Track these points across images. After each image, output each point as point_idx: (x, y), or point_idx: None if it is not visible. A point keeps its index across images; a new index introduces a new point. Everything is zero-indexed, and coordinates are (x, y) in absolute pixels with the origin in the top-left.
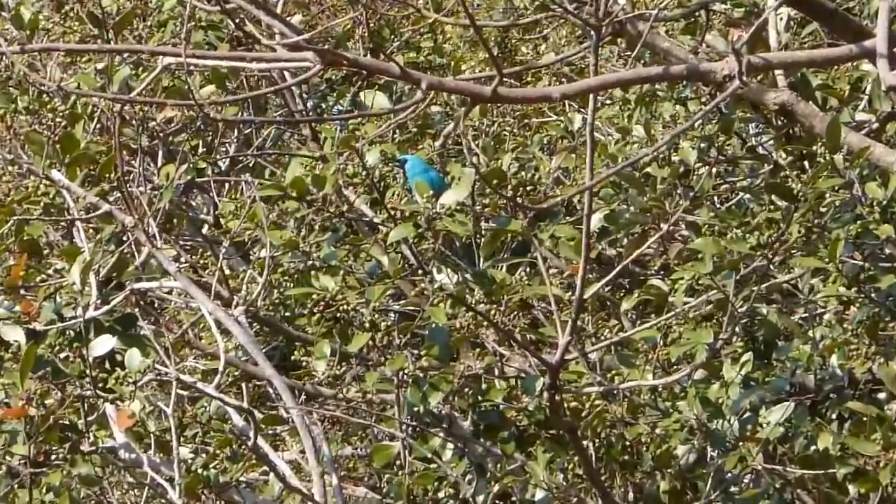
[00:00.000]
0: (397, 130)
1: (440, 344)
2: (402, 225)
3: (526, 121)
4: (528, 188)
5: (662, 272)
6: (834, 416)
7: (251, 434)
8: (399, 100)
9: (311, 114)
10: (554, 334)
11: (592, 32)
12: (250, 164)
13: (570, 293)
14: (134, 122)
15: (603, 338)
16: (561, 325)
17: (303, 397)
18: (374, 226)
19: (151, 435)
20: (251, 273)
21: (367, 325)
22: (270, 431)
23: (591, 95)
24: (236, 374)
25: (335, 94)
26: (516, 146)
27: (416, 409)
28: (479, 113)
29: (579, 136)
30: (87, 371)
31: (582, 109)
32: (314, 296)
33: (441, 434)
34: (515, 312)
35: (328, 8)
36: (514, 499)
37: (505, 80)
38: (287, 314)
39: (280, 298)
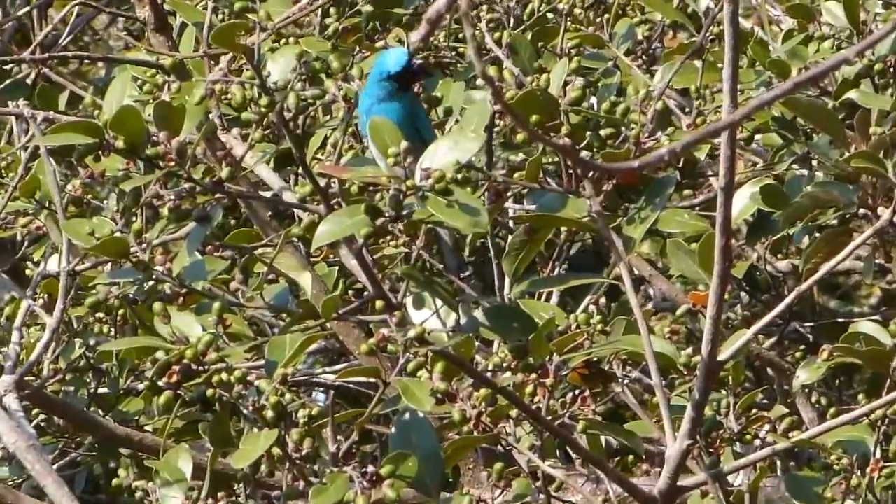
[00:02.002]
0: (332, 10)
1: (421, 455)
2: (344, 210)
3: None
4: (604, 131)
5: (881, 307)
6: None
7: None
8: None
9: None
10: (654, 434)
11: None
12: (27, 78)
13: (689, 349)
14: None
15: (757, 442)
16: (670, 415)
17: None
18: (285, 210)
19: None
20: (29, 305)
21: (268, 414)
22: None
23: None
24: None
25: None
26: (578, 44)
27: None
28: None
29: (710, 25)
30: None
31: None
32: (159, 354)
33: None
34: (575, 389)
35: None
36: None
37: None
38: (102, 392)
39: (87, 359)
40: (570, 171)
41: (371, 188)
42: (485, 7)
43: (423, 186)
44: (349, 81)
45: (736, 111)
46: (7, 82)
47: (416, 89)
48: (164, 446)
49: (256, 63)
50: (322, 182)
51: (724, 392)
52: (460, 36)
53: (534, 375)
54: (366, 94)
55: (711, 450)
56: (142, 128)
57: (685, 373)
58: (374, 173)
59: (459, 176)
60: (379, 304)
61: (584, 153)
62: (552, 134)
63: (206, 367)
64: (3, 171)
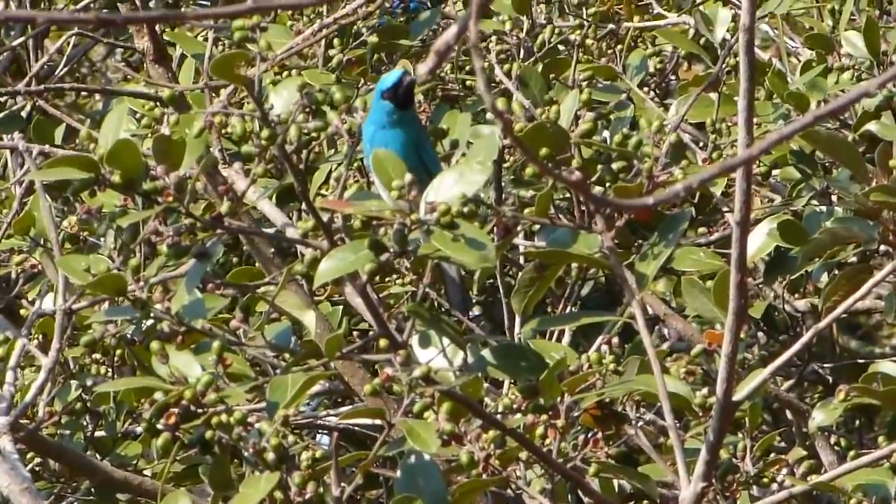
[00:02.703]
0: (335, 41)
1: (428, 499)
2: (347, 246)
3: (611, 24)
4: (617, 165)
5: None
6: None
7: None
8: None
9: (153, 4)
10: (669, 478)
11: None
12: (22, 110)
13: (704, 390)
14: None
15: (774, 486)
16: (684, 458)
17: None
18: (289, 246)
19: None
20: (24, 345)
21: (269, 456)
22: None
23: None
24: None
25: None
26: (591, 76)
27: None
28: (512, 4)
29: (726, 56)
30: None
31: None
32: (157, 395)
33: None
34: (588, 431)
35: None
36: None
37: None
38: (99, 435)
39: (84, 401)
40: (582, 207)
41: (375, 223)
42: (494, 38)
43: (427, 220)
44: (353, 114)
45: (753, 145)
46: (2, 115)
47: (421, 120)
48: (162, 490)
49: (257, 95)
50: (325, 217)
51: (740, 434)
52: (468, 68)
53: (544, 417)
54: (368, 122)
55: (727, 493)
56: (139, 162)
57: (700, 414)
58: (378, 207)
59: (466, 209)
60: (384, 342)
61: (595, 188)
62: (563, 168)
63: (206, 409)
64: None
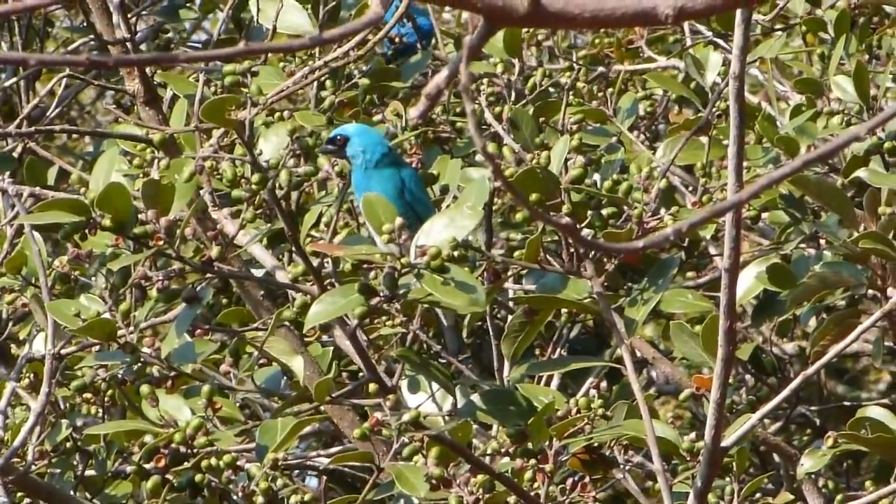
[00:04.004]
0: (327, 83)
1: None
2: (337, 290)
3: (602, 68)
4: (606, 210)
5: (889, 393)
6: None
7: None
8: (332, 17)
9: (143, 47)
10: None
11: None
12: (13, 151)
13: (692, 434)
14: None
15: None
16: (672, 502)
17: None
18: (278, 290)
19: None
20: (13, 388)
21: (258, 500)
22: None
23: (739, 13)
24: None
25: (196, 4)
26: (581, 119)
27: None
28: (504, 46)
29: (716, 100)
30: None
31: (720, 41)
32: (146, 438)
33: None
34: (575, 475)
35: None
36: None
37: None
38: (89, 475)
39: (74, 441)
40: (572, 250)
41: (365, 266)
42: (485, 81)
43: (418, 264)
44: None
45: (742, 190)
46: None
47: (409, 163)
48: None
49: (248, 139)
50: (315, 261)
51: (728, 478)
52: (458, 109)
53: (533, 461)
54: (357, 171)
55: None
56: (129, 205)
57: (688, 458)
58: (368, 251)
59: (456, 253)
60: (373, 387)
61: (585, 232)
62: (553, 212)
63: (195, 452)
64: None
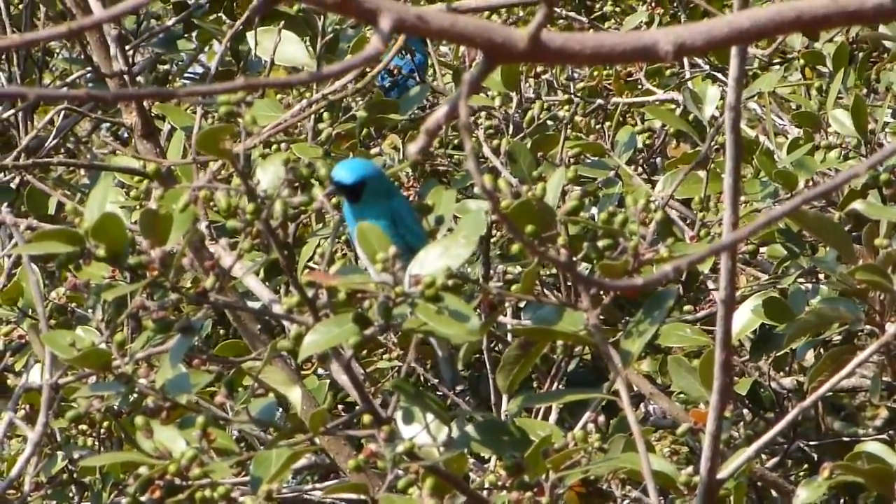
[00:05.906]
0: (325, 115)
1: None
2: (331, 320)
3: (600, 100)
4: (602, 243)
5: (886, 429)
6: None
7: None
8: (330, 49)
9: (141, 79)
10: None
11: None
12: (11, 183)
13: (689, 468)
14: None
15: None
16: None
17: None
18: (274, 322)
19: None
20: (10, 417)
21: None
22: None
23: (735, 50)
24: None
25: (194, 36)
26: (579, 152)
27: None
28: (502, 79)
29: (714, 134)
30: None
31: (718, 74)
32: (141, 469)
33: None
34: None
35: None
36: None
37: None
38: None
39: (70, 472)
40: (568, 283)
41: (360, 296)
42: (483, 114)
43: (412, 293)
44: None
45: (738, 225)
46: None
47: (403, 195)
48: None
49: (242, 170)
50: (311, 292)
51: None
52: (456, 142)
53: (529, 494)
54: (352, 203)
55: None
56: (123, 236)
57: (685, 492)
58: (362, 280)
59: (450, 282)
60: (367, 418)
61: (581, 264)
62: (549, 245)
63: (190, 483)
64: None
